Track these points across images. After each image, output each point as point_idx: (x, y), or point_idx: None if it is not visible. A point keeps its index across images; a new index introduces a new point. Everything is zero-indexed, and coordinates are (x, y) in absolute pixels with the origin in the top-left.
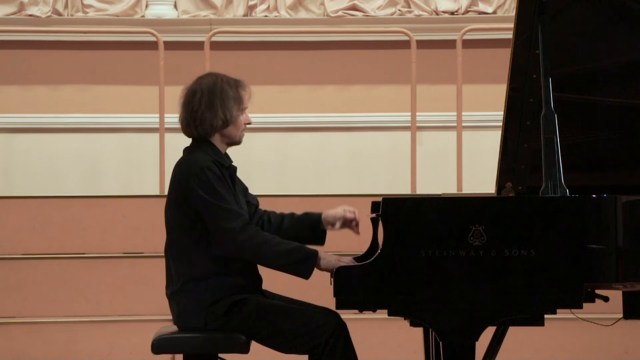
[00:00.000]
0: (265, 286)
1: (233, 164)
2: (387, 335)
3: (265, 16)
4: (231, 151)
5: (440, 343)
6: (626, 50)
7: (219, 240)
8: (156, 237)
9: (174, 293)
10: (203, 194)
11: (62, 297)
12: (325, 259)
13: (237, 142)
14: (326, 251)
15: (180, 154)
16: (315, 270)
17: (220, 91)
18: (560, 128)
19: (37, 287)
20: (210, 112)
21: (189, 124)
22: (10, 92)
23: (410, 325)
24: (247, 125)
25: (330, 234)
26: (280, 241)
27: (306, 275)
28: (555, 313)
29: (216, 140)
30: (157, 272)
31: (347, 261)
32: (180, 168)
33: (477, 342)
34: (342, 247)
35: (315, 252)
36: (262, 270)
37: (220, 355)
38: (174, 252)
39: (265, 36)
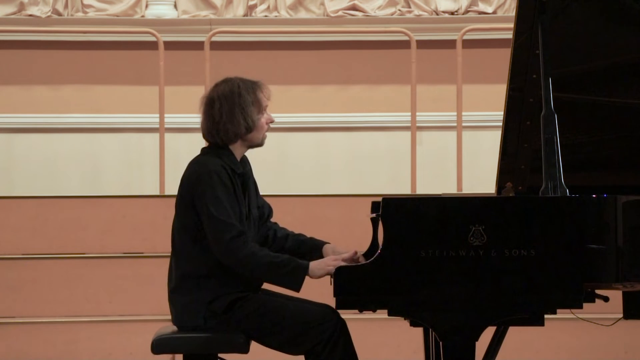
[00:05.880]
0: (266, 285)
1: (250, 169)
2: (387, 335)
3: (265, 16)
4: None
5: (440, 343)
6: (626, 50)
7: (212, 247)
8: (156, 237)
9: (172, 291)
10: (204, 198)
11: (62, 297)
12: (315, 269)
13: (260, 144)
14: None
15: (180, 154)
16: None
17: (238, 98)
18: (560, 128)
19: (37, 287)
20: (231, 122)
21: (211, 133)
22: (10, 92)
23: (410, 325)
24: (271, 125)
25: (329, 234)
26: (266, 254)
27: (295, 287)
28: (555, 313)
29: (237, 145)
30: (157, 272)
31: (342, 258)
32: (191, 168)
33: (477, 342)
34: (342, 247)
35: (305, 265)
36: None
37: (220, 355)
38: (175, 249)
39: (265, 36)
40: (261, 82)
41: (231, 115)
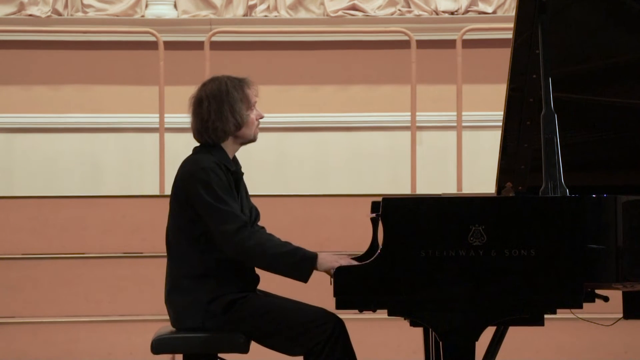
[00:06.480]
0: (264, 286)
1: (241, 169)
2: (387, 335)
3: (265, 16)
4: None
5: (440, 343)
6: (626, 50)
7: (218, 242)
8: (156, 237)
9: (169, 293)
10: (203, 194)
11: (62, 297)
12: (323, 260)
13: (252, 140)
14: (326, 251)
15: (180, 154)
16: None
17: (226, 96)
18: (560, 128)
19: (37, 287)
20: (220, 120)
21: (200, 133)
22: (10, 92)
23: (410, 325)
24: (261, 120)
25: (329, 234)
26: (276, 244)
27: (304, 278)
28: (555, 313)
29: (229, 143)
30: (157, 272)
31: (345, 260)
32: (184, 167)
33: (477, 342)
34: (342, 247)
35: (314, 255)
36: (260, 271)
37: (220, 355)
38: (170, 249)
39: (265, 36)
40: (248, 78)
41: (220, 114)
